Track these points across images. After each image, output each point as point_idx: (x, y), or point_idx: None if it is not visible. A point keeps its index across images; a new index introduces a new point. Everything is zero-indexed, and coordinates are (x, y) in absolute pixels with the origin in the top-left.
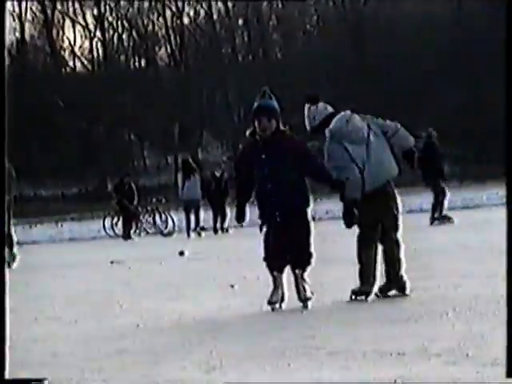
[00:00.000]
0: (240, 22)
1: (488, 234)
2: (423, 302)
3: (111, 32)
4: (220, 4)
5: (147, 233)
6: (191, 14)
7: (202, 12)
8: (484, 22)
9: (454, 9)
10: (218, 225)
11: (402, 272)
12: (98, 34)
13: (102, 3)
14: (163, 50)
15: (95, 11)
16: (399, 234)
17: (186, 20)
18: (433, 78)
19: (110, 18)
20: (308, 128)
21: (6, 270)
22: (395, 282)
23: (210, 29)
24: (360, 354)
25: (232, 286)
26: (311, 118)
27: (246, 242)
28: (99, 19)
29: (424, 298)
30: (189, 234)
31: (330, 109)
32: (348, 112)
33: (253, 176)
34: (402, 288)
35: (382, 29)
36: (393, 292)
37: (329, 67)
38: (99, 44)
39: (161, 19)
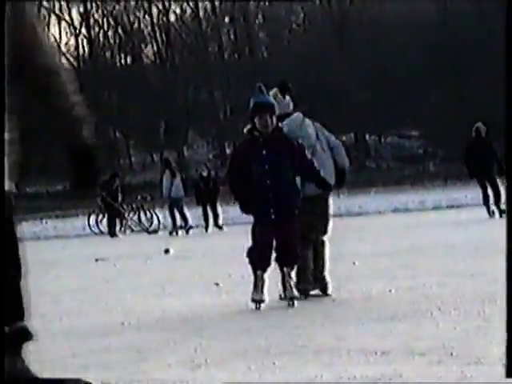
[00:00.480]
0: (226, 20)
1: (472, 234)
2: (408, 300)
3: (97, 29)
4: (206, 2)
5: (132, 230)
6: (177, 11)
7: (189, 10)
8: (469, 21)
9: (439, 9)
10: (212, 223)
11: (326, 273)
12: (84, 31)
13: (88, 0)
14: (149, 47)
15: (81, 8)
16: (326, 236)
17: (172, 18)
18: (418, 78)
19: (96, 15)
20: None
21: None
22: (319, 281)
23: (196, 27)
24: (345, 352)
25: (217, 284)
26: None
27: (232, 240)
28: (85, 16)
29: (409, 296)
30: (177, 232)
31: (291, 107)
32: (300, 115)
33: (251, 172)
34: (324, 288)
35: (368, 28)
36: (316, 292)
37: (315, 66)
38: (85, 41)
39: (147, 16)
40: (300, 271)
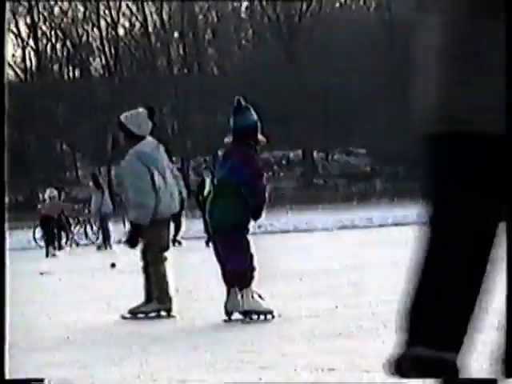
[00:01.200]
0: (176, 35)
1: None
2: (354, 318)
3: (44, 41)
4: (155, 16)
5: (78, 244)
6: (126, 25)
7: (138, 24)
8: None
9: (387, 28)
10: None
11: (170, 291)
12: (31, 42)
13: (35, 11)
14: (98, 60)
15: (28, 20)
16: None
17: (121, 31)
18: (365, 95)
19: (44, 27)
20: (134, 129)
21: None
22: (161, 301)
23: (145, 41)
24: (291, 369)
25: None
26: (134, 124)
27: (179, 254)
28: (32, 28)
29: (355, 314)
30: (110, 246)
31: (149, 131)
32: (155, 140)
33: None
34: (169, 310)
35: (317, 45)
36: (153, 314)
37: (263, 82)
38: (32, 53)
39: (95, 30)
40: (161, 291)
